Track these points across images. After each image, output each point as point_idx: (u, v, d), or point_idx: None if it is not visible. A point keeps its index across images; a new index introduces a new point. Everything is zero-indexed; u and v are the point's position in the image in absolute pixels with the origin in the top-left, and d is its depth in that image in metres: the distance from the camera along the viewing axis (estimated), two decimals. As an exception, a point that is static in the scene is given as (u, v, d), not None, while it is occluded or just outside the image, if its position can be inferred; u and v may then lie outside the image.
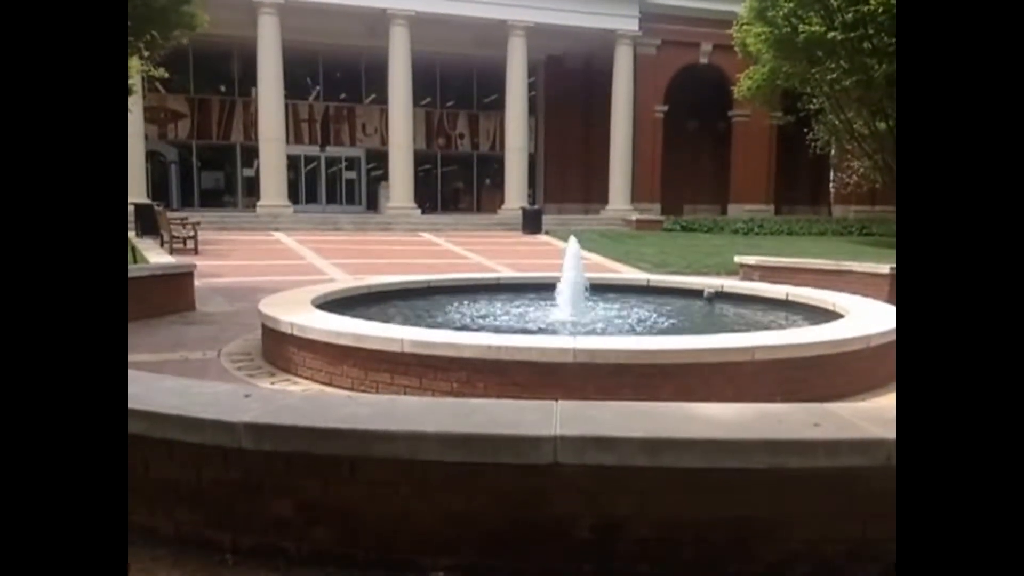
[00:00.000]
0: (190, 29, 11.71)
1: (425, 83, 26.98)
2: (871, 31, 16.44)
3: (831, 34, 16.57)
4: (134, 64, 12.62)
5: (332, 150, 28.88)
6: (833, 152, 24.69)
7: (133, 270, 8.84)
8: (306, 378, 5.48)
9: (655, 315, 7.37)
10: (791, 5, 17.30)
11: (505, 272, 12.87)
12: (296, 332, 5.57)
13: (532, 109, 27.23)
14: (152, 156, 25.36)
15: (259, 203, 22.83)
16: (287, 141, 24.10)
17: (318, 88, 28.77)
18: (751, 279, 11.09)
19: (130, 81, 11.90)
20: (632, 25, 25.19)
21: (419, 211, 24.23)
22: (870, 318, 5.96)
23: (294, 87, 25.82)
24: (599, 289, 8.24)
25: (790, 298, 7.75)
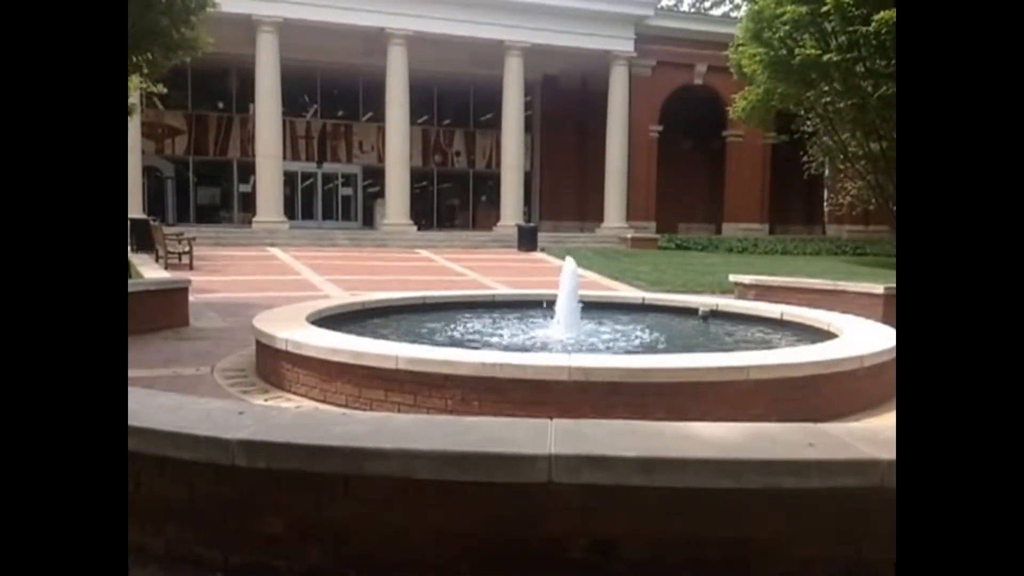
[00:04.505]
0: (193, 51, 11.75)
1: (422, 101, 27.12)
2: (864, 53, 16.64)
3: (826, 56, 16.75)
4: (133, 81, 12.66)
5: (329, 167, 28.96)
6: (827, 172, 24.89)
7: (128, 285, 8.81)
8: (300, 395, 5.46)
9: (650, 333, 7.37)
10: (787, 27, 17.51)
11: (501, 289, 12.88)
12: (290, 348, 5.55)
13: (528, 127, 27.37)
14: (149, 171, 25.39)
15: (255, 219, 22.83)
16: (284, 157, 24.18)
17: (315, 105, 28.91)
18: (746, 298, 11.12)
19: (129, 99, 11.94)
20: (628, 46, 25.42)
21: (415, 228, 24.27)
22: (864, 338, 5.97)
23: (292, 104, 25.96)
24: (594, 307, 8.24)
25: (785, 317, 7.76)
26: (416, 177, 26.65)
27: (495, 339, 6.99)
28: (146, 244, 17.32)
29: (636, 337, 7.18)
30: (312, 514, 2.41)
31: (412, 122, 24.87)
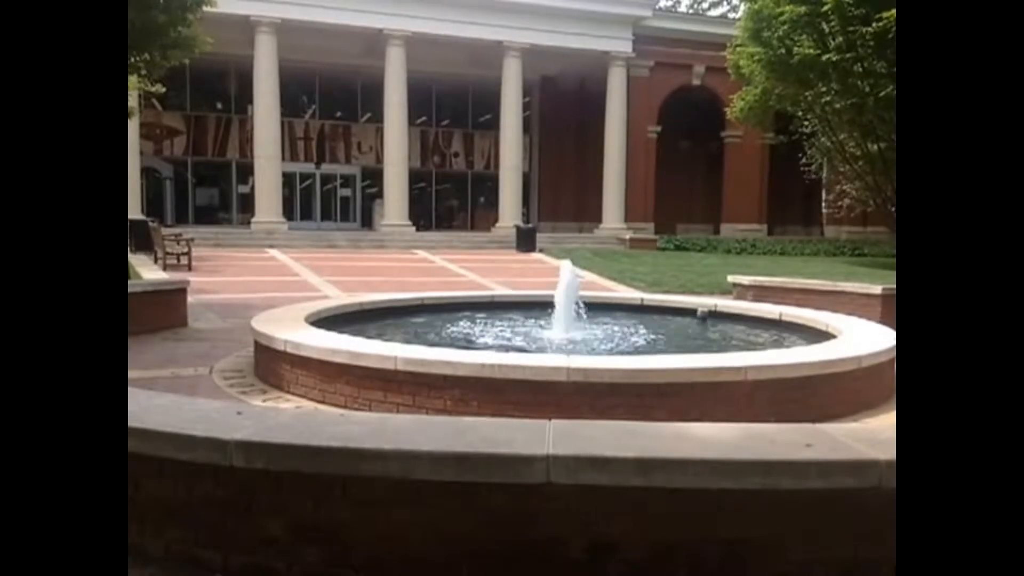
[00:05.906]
0: (190, 51, 11.75)
1: (421, 102, 27.13)
2: (862, 54, 16.67)
3: (824, 56, 16.78)
4: (132, 82, 12.66)
5: (327, 167, 28.96)
6: (825, 173, 24.92)
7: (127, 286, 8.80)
8: (299, 396, 5.46)
9: (649, 334, 7.37)
10: (786, 27, 17.55)
11: (499, 290, 12.89)
12: (289, 349, 5.55)
13: (527, 128, 27.38)
14: (147, 172, 25.37)
15: (254, 220, 22.81)
16: (283, 158, 24.15)
17: (314, 106, 28.90)
18: (744, 299, 11.13)
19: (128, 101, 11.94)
20: (626, 47, 25.44)
21: (414, 229, 24.27)
22: (862, 338, 5.98)
23: (290, 105, 25.94)
24: (593, 308, 8.24)
25: (783, 318, 7.77)
26: (415, 178, 26.65)
27: (494, 340, 6.99)
28: (145, 245, 17.29)
29: (635, 338, 7.18)
30: (311, 515, 2.41)
31: (410, 123, 24.88)
